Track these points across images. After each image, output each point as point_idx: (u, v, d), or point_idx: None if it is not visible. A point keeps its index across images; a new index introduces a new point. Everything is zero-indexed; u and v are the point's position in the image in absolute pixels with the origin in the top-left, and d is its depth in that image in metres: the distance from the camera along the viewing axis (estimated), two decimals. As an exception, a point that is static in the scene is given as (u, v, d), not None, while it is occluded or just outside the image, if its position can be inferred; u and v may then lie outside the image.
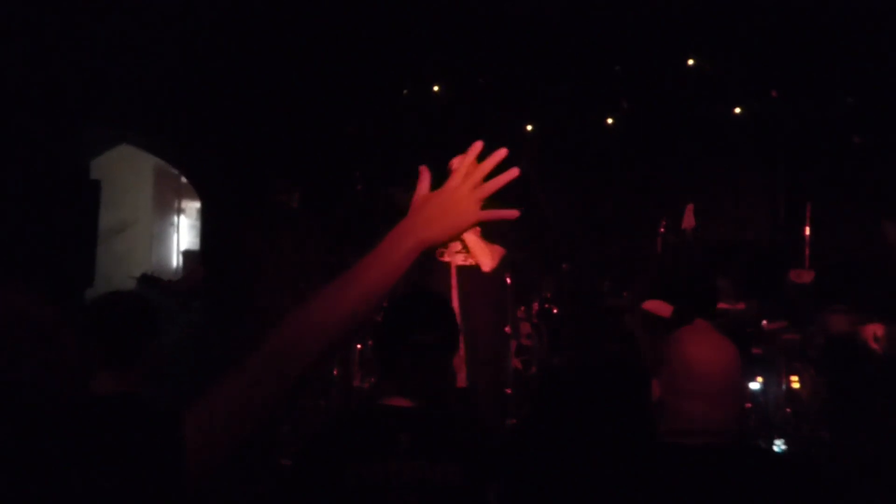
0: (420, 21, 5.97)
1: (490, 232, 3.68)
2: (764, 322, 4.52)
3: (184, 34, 6.01)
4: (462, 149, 1.26)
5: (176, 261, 8.88)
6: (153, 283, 4.34)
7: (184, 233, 9.05)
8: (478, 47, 6.14)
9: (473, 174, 1.13)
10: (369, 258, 1.12)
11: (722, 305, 4.20)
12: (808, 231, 4.59)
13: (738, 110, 5.97)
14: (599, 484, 1.65)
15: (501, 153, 1.14)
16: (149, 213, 8.35)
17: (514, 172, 1.12)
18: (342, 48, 6.19)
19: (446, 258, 3.77)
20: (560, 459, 1.85)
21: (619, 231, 6.26)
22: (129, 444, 1.04)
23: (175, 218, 8.94)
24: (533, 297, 5.19)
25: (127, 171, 7.88)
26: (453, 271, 3.72)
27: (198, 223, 8.52)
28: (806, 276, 4.44)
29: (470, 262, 3.71)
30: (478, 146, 1.15)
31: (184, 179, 8.06)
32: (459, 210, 1.12)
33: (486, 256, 3.61)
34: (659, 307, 3.74)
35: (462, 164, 1.14)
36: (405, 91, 6.57)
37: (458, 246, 3.73)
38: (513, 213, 1.14)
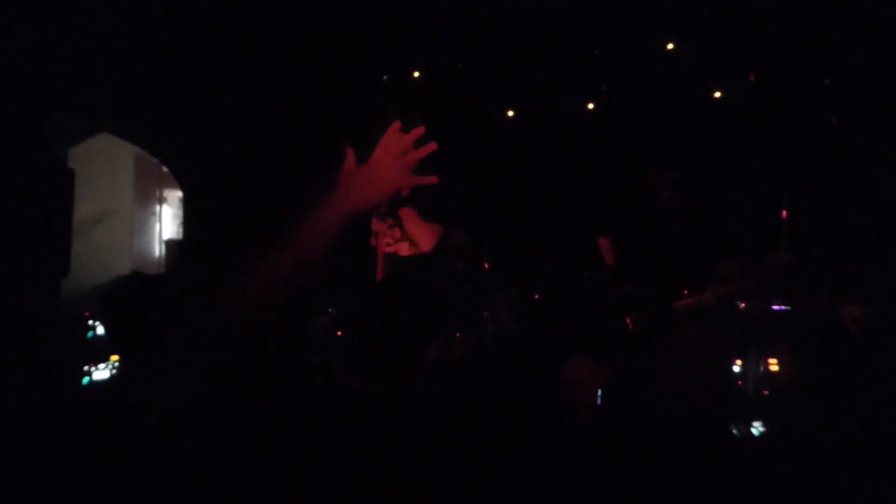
0: (399, 7, 5.92)
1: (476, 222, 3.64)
2: (742, 304, 4.53)
3: (163, 22, 5.94)
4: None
5: (158, 250, 8.83)
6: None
7: (166, 222, 8.98)
8: (458, 33, 6.11)
9: (394, 147, 1.25)
10: (300, 229, 1.20)
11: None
12: (785, 213, 4.60)
13: (717, 94, 5.96)
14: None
15: (419, 131, 1.26)
16: (129, 202, 8.28)
17: (432, 146, 1.25)
18: (322, 35, 6.14)
19: (378, 244, 3.63)
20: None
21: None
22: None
23: (157, 207, 8.87)
24: (513, 281, 5.18)
25: (106, 159, 7.81)
26: (380, 259, 3.59)
27: (181, 212, 8.46)
28: (783, 259, 4.44)
29: (396, 250, 3.57)
30: (397, 125, 1.27)
31: (165, 168, 8.01)
32: (382, 178, 1.24)
33: (423, 236, 3.51)
34: (607, 249, 3.80)
35: (384, 138, 1.26)
36: (384, 77, 6.53)
37: (395, 233, 3.61)
38: (432, 179, 1.27)
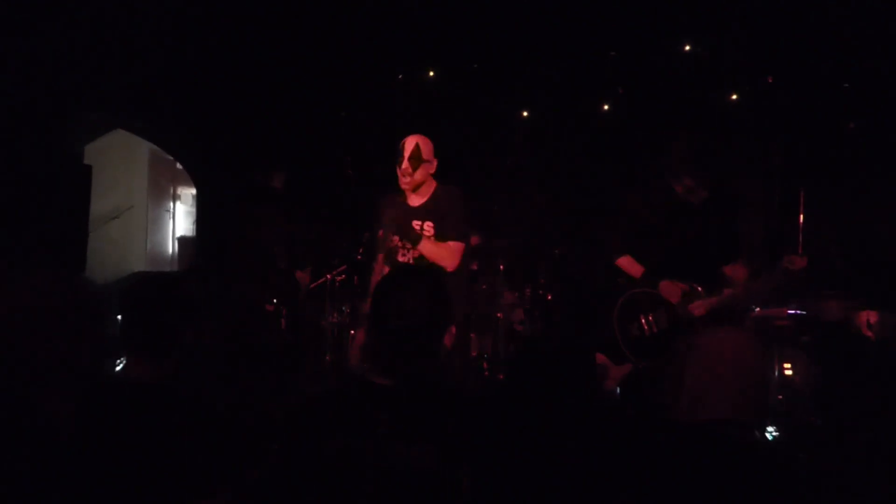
0: (414, 5, 5.93)
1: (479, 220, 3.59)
2: (757, 309, 4.51)
3: (178, 19, 5.97)
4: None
5: (172, 247, 8.87)
6: None
7: (180, 219, 9.03)
8: (472, 32, 6.10)
9: None
10: None
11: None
12: (801, 218, 4.57)
13: (734, 96, 5.93)
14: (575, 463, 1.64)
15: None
16: (144, 198, 8.32)
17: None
18: (336, 32, 6.15)
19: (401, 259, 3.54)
20: (531, 438, 1.84)
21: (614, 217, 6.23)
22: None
23: (171, 204, 8.92)
24: (526, 282, 5.17)
25: (122, 156, 7.86)
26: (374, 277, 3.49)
27: (194, 209, 8.50)
28: (799, 263, 4.39)
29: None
30: None
31: (179, 165, 8.04)
32: None
33: (444, 259, 3.38)
34: (629, 265, 3.68)
35: None
36: (399, 76, 6.54)
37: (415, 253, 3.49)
38: None
